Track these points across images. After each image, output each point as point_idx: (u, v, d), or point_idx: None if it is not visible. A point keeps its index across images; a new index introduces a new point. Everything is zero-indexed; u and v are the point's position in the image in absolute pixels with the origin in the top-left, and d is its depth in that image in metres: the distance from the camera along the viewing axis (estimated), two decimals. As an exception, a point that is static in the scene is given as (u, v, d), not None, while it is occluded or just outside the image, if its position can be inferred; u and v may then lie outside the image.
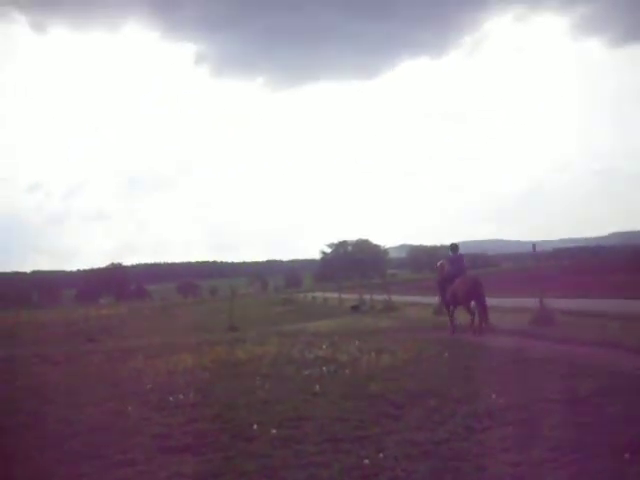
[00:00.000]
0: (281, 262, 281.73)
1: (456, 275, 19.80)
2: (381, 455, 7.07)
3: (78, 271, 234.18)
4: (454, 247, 21.23)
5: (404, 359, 13.97)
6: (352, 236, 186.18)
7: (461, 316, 19.84)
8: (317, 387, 11.43)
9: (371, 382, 11.47)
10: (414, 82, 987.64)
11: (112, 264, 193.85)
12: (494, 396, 9.36)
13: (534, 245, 21.35)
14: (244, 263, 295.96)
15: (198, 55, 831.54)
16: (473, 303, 18.97)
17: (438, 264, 21.62)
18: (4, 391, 14.02)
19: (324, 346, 17.36)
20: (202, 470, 7.12)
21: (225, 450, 7.91)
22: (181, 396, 11.47)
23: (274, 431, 8.55)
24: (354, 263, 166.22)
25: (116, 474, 7.24)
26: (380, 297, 39.79)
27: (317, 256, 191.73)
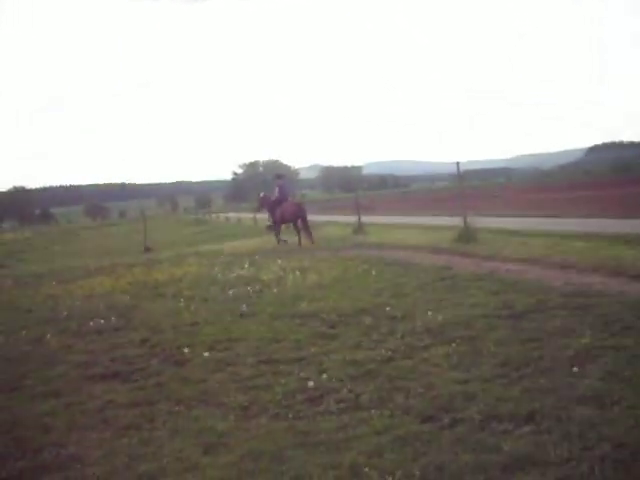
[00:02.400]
0: (190, 183, 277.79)
1: (282, 200, 24.27)
2: (324, 376, 6.75)
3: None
4: (280, 176, 27.69)
5: (331, 277, 13.69)
6: (263, 157, 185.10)
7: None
8: (244, 307, 11.04)
9: (300, 301, 11.13)
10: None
11: (14, 187, 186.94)
12: (430, 313, 9.17)
13: (458, 164, 21.09)
14: (152, 184, 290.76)
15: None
16: (299, 222, 23.68)
17: (261, 195, 26.79)
18: None
19: (245, 266, 16.95)
20: (136, 398, 6.67)
21: (157, 375, 7.49)
22: (102, 321, 10.93)
23: (206, 354, 8.15)
24: (265, 183, 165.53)
25: (39, 407, 6.71)
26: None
27: (228, 177, 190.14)
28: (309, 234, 23.28)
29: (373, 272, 13.86)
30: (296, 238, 23.67)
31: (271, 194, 25.66)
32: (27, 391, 7.40)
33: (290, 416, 5.78)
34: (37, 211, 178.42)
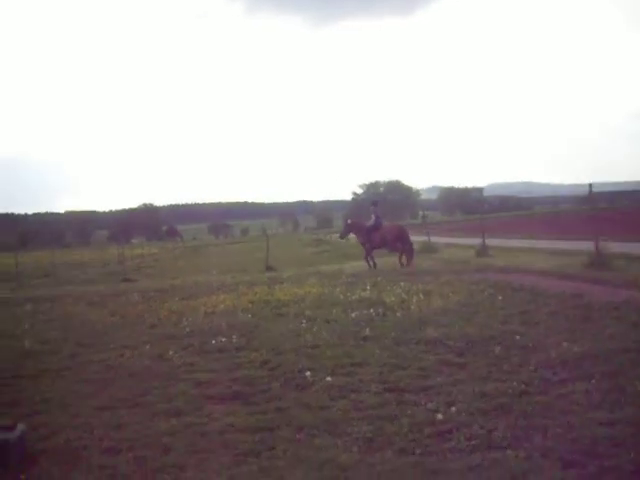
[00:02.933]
0: (312, 203, 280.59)
1: (379, 225, 25.00)
2: (453, 409, 6.36)
3: (110, 212, 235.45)
4: (375, 202, 28.80)
5: (456, 302, 13.23)
6: (384, 177, 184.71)
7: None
8: (367, 331, 10.75)
9: (425, 326, 10.75)
10: (451, 20, 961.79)
11: (143, 205, 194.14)
12: (565, 344, 8.59)
13: (590, 186, 20.09)
14: (275, 204, 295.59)
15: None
16: (399, 244, 24.59)
17: (348, 221, 27.63)
18: (42, 333, 13.55)
19: (367, 287, 16.67)
20: (256, 422, 6.47)
21: (278, 399, 7.28)
22: (223, 339, 10.88)
23: (328, 379, 7.90)
24: (386, 204, 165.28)
25: (160, 426, 6.62)
26: (417, 238, 39.00)
27: (348, 197, 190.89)
28: (411, 256, 24.36)
29: (499, 297, 13.32)
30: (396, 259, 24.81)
31: (364, 220, 26.96)
32: (149, 408, 7.34)
33: (418, 451, 5.44)
34: (164, 227, 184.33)
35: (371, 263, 24.26)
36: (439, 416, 6.14)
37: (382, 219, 25.93)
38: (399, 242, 24.48)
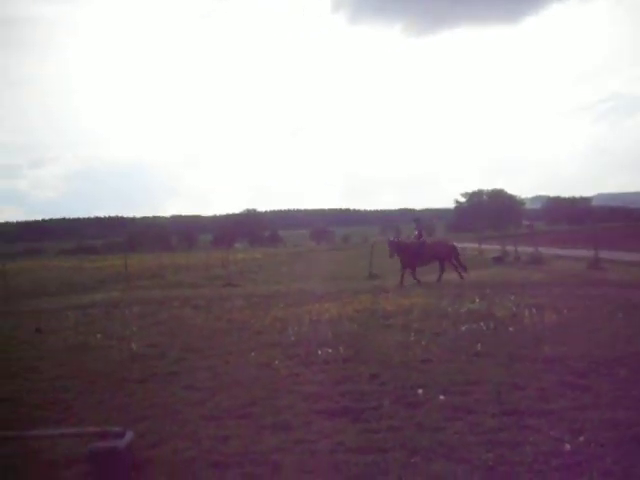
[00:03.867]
0: (414, 211, 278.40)
1: (424, 241, 25.46)
2: (581, 438, 5.86)
3: (214, 216, 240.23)
4: (417, 219, 29.31)
5: (572, 317, 12.58)
6: (487, 185, 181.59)
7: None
8: (479, 346, 10.28)
9: (541, 343, 10.19)
10: (561, 28, 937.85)
11: (247, 210, 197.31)
12: None
13: None
14: (377, 211, 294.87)
15: (335, 1, 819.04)
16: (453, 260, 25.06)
17: (390, 239, 26.49)
18: (149, 336, 13.70)
19: (476, 299, 16.14)
20: (367, 442, 6.15)
21: (389, 418, 6.93)
22: (330, 350, 10.64)
23: (442, 397, 7.51)
24: (489, 213, 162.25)
25: (269, 440, 6.39)
26: (522, 248, 37.90)
27: (451, 205, 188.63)
28: (464, 270, 24.85)
29: (620, 315, 12.57)
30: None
31: (403, 238, 28.60)
32: (256, 420, 7.14)
33: (546, 486, 4.97)
34: (266, 233, 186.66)
35: (417, 279, 24.09)
36: (567, 446, 5.66)
37: (424, 236, 26.53)
38: (453, 257, 25.12)
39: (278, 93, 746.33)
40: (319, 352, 10.55)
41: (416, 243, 25.08)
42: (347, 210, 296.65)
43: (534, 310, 13.53)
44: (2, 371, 10.96)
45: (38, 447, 6.61)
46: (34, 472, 5.94)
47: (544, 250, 36.69)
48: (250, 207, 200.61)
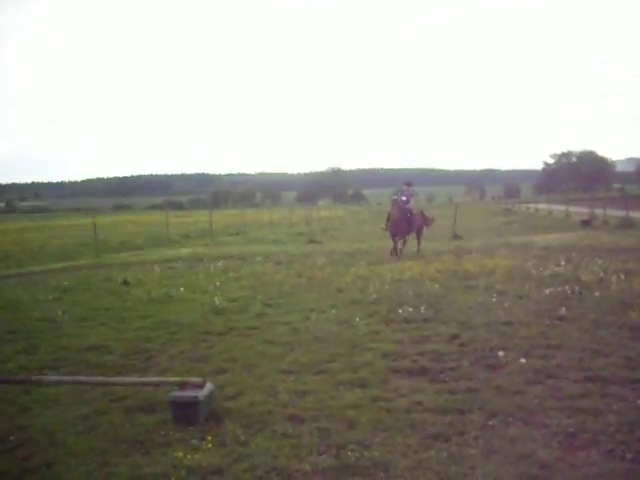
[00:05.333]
0: (499, 171, 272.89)
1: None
2: (669, 412, 5.64)
3: (299, 174, 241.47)
4: (410, 183, 22.89)
5: (664, 285, 12.10)
6: (577, 147, 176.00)
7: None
8: (563, 310, 10.00)
9: (629, 310, 9.85)
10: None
11: (331, 168, 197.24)
12: None
13: None
14: (461, 171, 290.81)
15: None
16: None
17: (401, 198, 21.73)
18: (232, 291, 13.93)
19: (561, 262, 15.71)
20: (445, 403, 6.09)
21: (468, 379, 6.84)
22: (410, 309, 10.56)
23: (522, 360, 7.35)
24: (578, 175, 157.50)
25: (345, 397, 6.41)
26: (613, 212, 36.69)
27: (538, 166, 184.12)
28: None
29: None
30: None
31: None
32: (333, 376, 7.17)
33: (629, 456, 4.81)
34: (350, 191, 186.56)
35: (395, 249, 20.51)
36: (651, 417, 5.47)
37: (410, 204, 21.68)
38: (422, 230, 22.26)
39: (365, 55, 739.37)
40: (400, 311, 10.50)
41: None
42: (431, 170, 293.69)
43: (622, 276, 13.05)
44: (91, 320, 11.33)
45: (122, 393, 6.82)
46: (117, 417, 6.12)
47: (636, 215, 35.46)
48: (335, 165, 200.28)
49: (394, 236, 20.55)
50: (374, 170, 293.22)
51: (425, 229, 22.60)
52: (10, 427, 6.02)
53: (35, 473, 4.96)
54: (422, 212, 22.81)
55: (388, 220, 20.99)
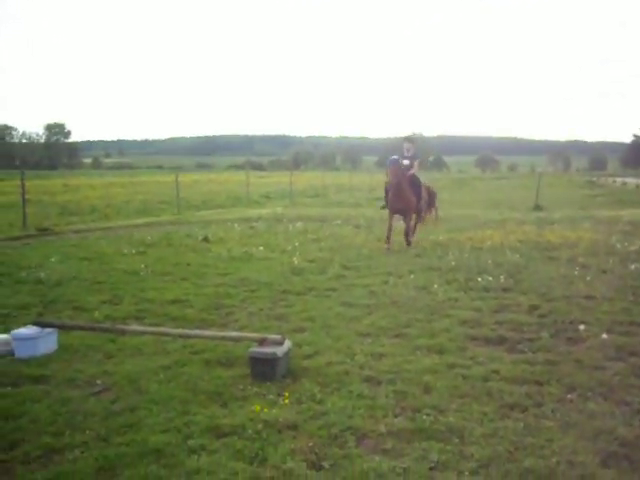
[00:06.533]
0: (585, 143, 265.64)
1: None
2: None
3: (379, 139, 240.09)
4: (411, 139, 16.18)
5: None
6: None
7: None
8: (649, 286, 9.75)
9: None
10: None
11: (412, 134, 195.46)
12: None
13: None
14: (545, 141, 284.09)
15: None
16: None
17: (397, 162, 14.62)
18: (310, 252, 14.05)
19: (650, 238, 15.25)
20: (522, 373, 6.03)
21: (546, 351, 6.74)
22: (490, 278, 10.46)
23: (604, 336, 7.20)
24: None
25: (422, 361, 6.41)
26: None
27: (627, 139, 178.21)
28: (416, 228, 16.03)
29: None
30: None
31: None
32: (410, 341, 7.17)
33: None
34: (431, 158, 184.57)
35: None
36: None
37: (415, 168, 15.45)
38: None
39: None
40: (479, 279, 10.40)
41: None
42: (514, 138, 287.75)
43: None
44: (173, 275, 11.60)
45: (201, 347, 6.98)
46: (197, 369, 6.28)
47: None
48: (416, 131, 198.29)
49: (396, 214, 14.92)
50: (456, 137, 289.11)
51: (429, 213, 18.19)
52: (97, 372, 6.24)
53: (120, 416, 5.14)
54: (428, 186, 17.69)
55: (387, 194, 14.99)
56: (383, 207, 15.30)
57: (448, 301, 9.10)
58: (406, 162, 14.90)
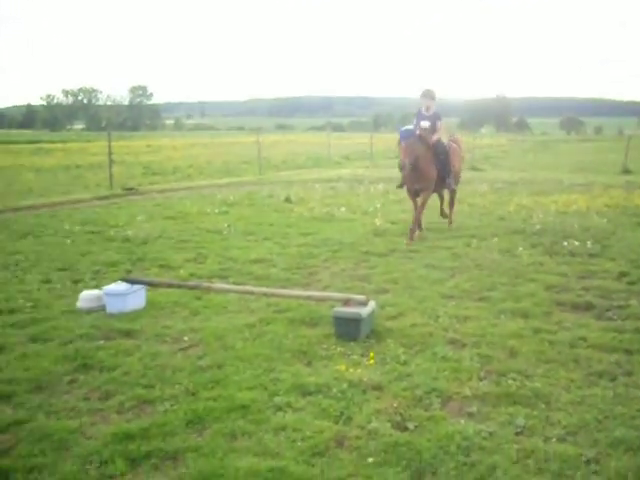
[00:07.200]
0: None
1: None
2: None
3: (462, 100, 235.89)
4: (430, 94, 11.87)
5: None
6: None
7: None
8: None
9: None
10: None
11: (496, 95, 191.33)
12: None
13: None
14: (634, 102, 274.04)
15: None
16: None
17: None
18: (391, 213, 13.97)
19: None
20: (611, 341, 5.88)
21: (637, 319, 6.56)
22: (576, 243, 10.19)
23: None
24: None
25: (507, 325, 6.34)
26: None
27: None
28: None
29: None
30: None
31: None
32: (494, 305, 7.10)
33: None
34: (514, 119, 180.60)
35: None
36: None
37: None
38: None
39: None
40: (564, 243, 10.16)
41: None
42: (601, 99, 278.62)
43: None
44: (256, 234, 11.72)
45: (285, 306, 7.06)
46: (281, 327, 6.35)
47: None
48: (499, 92, 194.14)
49: (416, 195, 11.68)
50: (540, 98, 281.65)
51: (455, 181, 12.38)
52: (184, 329, 6.40)
53: (207, 372, 5.26)
54: (455, 139, 13.32)
55: (403, 169, 10.92)
56: (400, 186, 11.88)
57: (533, 265, 8.95)
58: (426, 124, 11.60)
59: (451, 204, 12.66)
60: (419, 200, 11.55)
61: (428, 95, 11.80)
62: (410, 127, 11.50)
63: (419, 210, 11.40)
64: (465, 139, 21.14)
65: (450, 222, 12.51)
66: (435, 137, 11.53)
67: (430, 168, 11.31)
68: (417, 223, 11.38)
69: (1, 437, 4.29)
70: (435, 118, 11.69)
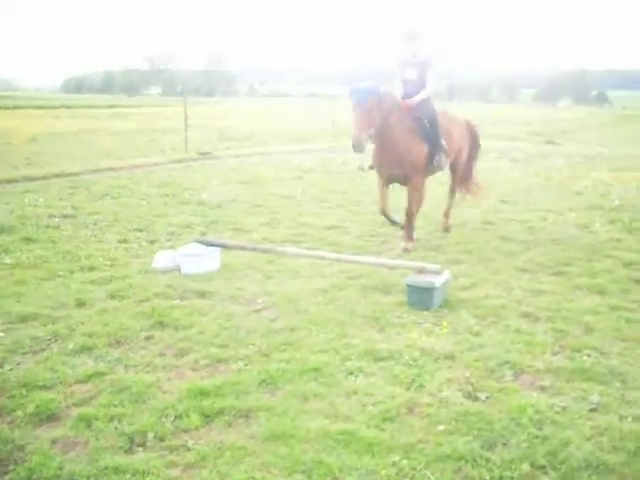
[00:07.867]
0: None
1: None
2: None
3: (540, 72, 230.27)
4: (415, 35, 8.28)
5: None
6: None
7: None
8: None
9: None
10: None
11: (575, 67, 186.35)
12: None
13: None
14: None
15: None
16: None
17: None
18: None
19: None
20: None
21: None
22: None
23: None
24: None
25: (582, 301, 6.23)
26: None
27: None
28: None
29: None
30: None
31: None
32: (570, 280, 6.99)
33: None
34: (593, 92, 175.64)
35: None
36: None
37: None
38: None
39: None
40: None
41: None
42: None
43: None
44: (329, 201, 11.77)
45: (358, 272, 7.08)
46: (354, 293, 6.39)
47: None
48: (579, 64, 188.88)
49: (387, 181, 8.57)
50: (621, 71, 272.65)
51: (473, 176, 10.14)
52: (257, 291, 6.49)
53: (280, 334, 5.34)
54: (466, 121, 9.71)
55: (356, 148, 7.94)
56: (371, 167, 8.80)
57: (610, 241, 8.75)
58: (411, 76, 8.37)
59: (450, 197, 9.76)
60: (408, 197, 8.48)
61: (412, 35, 8.27)
62: (369, 83, 7.82)
63: (411, 210, 8.41)
64: (541, 111, 20.57)
65: (446, 228, 9.46)
66: (419, 96, 8.18)
67: (414, 144, 8.08)
68: (408, 229, 8.43)
69: (83, 387, 4.45)
70: (424, 67, 8.31)
